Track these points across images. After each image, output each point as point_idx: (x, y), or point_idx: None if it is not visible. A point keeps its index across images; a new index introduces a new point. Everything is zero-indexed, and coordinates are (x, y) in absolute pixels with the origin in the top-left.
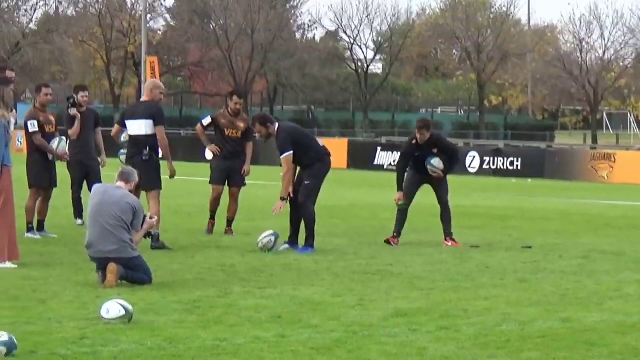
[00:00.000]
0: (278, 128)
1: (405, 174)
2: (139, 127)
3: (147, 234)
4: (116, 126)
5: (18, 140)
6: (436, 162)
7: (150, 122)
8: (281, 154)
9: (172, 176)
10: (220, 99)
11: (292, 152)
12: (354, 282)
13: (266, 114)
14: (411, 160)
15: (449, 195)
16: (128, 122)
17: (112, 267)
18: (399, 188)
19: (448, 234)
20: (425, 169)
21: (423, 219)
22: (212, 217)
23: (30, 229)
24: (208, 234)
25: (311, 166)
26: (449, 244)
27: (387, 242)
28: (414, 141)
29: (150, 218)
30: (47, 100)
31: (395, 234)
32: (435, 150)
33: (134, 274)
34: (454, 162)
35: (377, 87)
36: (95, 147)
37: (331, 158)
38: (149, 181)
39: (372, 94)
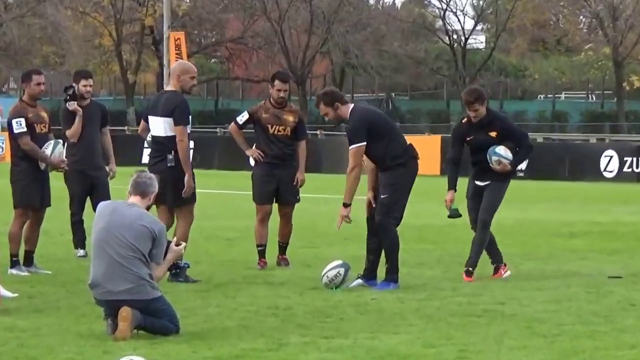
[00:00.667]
0: (352, 110)
1: (467, 185)
2: (159, 125)
3: (173, 266)
4: (142, 122)
5: None
6: (502, 151)
7: (171, 121)
8: (350, 144)
9: (187, 191)
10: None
11: (364, 144)
12: (452, 328)
13: (334, 90)
14: (462, 147)
15: (495, 213)
16: (150, 119)
17: (125, 312)
18: (450, 186)
19: (470, 262)
20: (484, 168)
21: (545, 241)
22: (263, 256)
23: (15, 263)
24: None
25: (391, 170)
26: (463, 275)
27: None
28: (464, 119)
29: (177, 245)
30: (38, 91)
31: (494, 264)
32: (493, 135)
33: (155, 320)
34: (525, 150)
35: (479, 67)
36: (102, 152)
37: (418, 162)
38: (178, 194)
39: (472, 76)
